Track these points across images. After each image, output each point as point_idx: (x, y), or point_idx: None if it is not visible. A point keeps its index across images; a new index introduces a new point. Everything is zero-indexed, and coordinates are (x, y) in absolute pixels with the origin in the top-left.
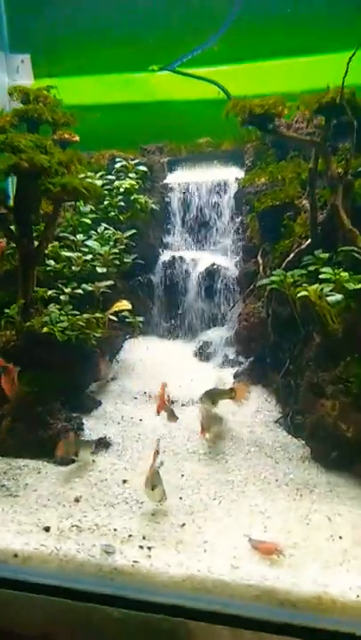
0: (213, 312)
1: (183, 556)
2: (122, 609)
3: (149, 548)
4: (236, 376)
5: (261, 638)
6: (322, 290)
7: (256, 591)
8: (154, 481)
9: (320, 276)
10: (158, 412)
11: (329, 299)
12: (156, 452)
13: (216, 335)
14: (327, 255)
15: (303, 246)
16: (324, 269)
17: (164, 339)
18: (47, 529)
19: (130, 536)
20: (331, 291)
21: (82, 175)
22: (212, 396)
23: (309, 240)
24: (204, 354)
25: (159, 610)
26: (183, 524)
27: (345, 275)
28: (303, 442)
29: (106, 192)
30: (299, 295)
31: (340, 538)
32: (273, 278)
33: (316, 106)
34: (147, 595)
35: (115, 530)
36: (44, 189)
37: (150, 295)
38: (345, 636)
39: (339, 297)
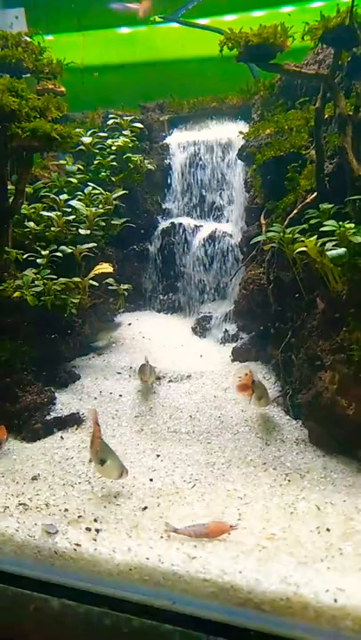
0: (215, 284)
1: (133, 542)
2: (61, 598)
3: (97, 531)
4: (234, 352)
5: None
6: (323, 245)
7: (213, 587)
8: (102, 454)
9: (321, 229)
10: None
11: (330, 253)
12: (97, 424)
13: (217, 309)
14: (332, 207)
15: (308, 200)
16: (327, 222)
17: (160, 313)
18: None
19: (79, 517)
20: (334, 245)
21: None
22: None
23: (315, 193)
24: (202, 329)
25: (102, 602)
26: (145, 508)
27: (351, 226)
28: (301, 423)
29: (97, 151)
30: (296, 251)
31: (328, 530)
32: (269, 234)
33: (323, 31)
34: (88, 584)
35: (65, 510)
36: (10, 135)
37: (147, 265)
38: None
39: (341, 251)
